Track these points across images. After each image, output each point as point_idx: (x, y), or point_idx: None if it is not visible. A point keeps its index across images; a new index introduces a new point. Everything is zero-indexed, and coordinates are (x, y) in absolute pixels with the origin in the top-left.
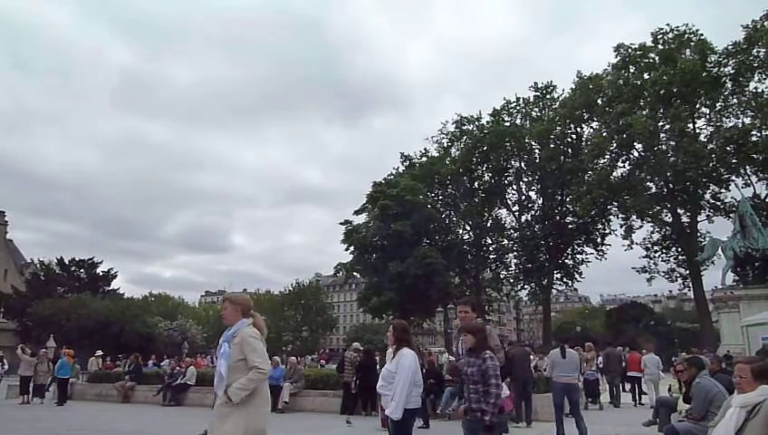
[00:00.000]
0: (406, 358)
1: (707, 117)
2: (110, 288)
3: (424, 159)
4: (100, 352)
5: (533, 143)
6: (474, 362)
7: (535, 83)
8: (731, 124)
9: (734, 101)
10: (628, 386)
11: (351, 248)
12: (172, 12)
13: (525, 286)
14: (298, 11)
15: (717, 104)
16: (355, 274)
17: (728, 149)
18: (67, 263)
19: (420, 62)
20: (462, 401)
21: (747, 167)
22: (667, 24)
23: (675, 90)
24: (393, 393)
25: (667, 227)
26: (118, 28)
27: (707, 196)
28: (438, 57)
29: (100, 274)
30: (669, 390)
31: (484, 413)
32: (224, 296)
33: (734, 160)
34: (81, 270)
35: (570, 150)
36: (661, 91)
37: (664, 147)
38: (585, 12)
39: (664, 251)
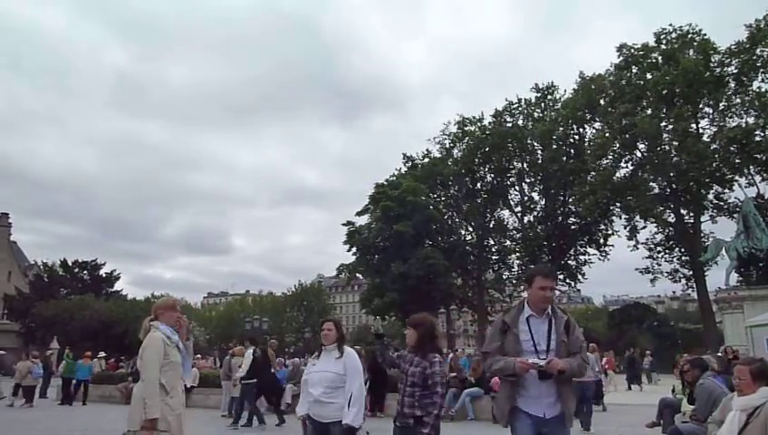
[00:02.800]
0: (355, 358)
1: (710, 117)
2: (113, 290)
3: (426, 159)
4: (102, 354)
5: (536, 144)
6: (418, 361)
7: (536, 84)
8: (734, 124)
9: (738, 100)
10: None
11: (354, 250)
12: (168, 12)
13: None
14: (293, 11)
15: (720, 104)
16: (357, 275)
17: (731, 149)
18: (70, 264)
19: (417, 62)
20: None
21: (751, 167)
22: (670, 24)
23: (678, 90)
24: (351, 398)
25: (671, 228)
26: (114, 29)
27: (711, 196)
28: (435, 57)
29: (103, 275)
30: (673, 391)
31: (423, 425)
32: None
33: (737, 160)
34: (85, 272)
35: (572, 151)
36: (664, 92)
37: (667, 147)
38: (580, 11)
39: (667, 252)
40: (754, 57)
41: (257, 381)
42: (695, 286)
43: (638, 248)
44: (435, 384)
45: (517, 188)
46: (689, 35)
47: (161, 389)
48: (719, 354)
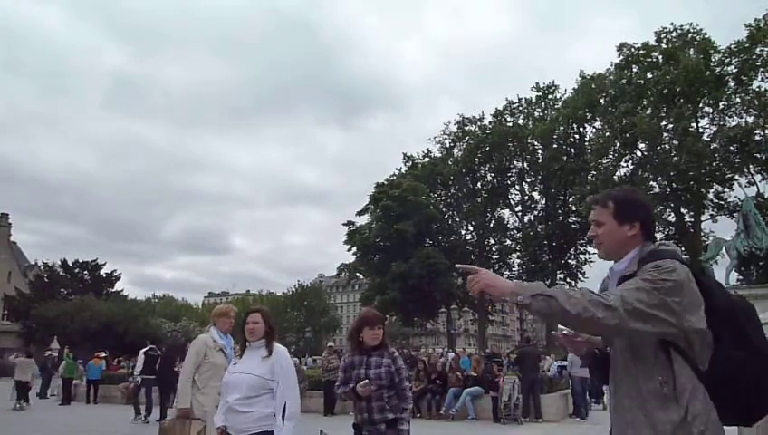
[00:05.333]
0: (286, 358)
1: (710, 116)
2: (114, 290)
3: (426, 159)
4: (102, 354)
5: (536, 143)
6: (378, 361)
7: (537, 84)
8: (734, 123)
9: (737, 100)
10: None
11: (354, 249)
12: (164, 13)
13: None
14: (290, 11)
15: (720, 103)
16: (358, 274)
17: (731, 148)
18: (71, 265)
19: (415, 61)
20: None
21: (750, 166)
22: (671, 23)
23: (678, 89)
24: (286, 409)
25: (671, 227)
26: (111, 30)
27: (711, 195)
28: (433, 57)
29: (104, 275)
30: None
31: (401, 423)
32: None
33: (737, 160)
34: (85, 272)
35: (573, 150)
36: (664, 91)
37: (667, 146)
38: (579, 10)
39: None
40: (754, 56)
41: (156, 378)
42: None
43: None
44: (402, 380)
45: (518, 187)
46: (690, 35)
47: (194, 385)
48: None
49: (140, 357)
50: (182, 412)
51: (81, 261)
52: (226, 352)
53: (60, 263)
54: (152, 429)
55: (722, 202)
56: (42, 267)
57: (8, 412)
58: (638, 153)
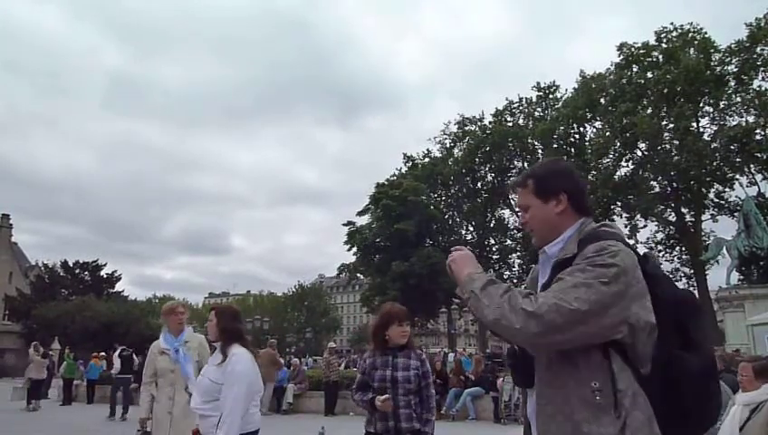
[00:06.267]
0: (239, 362)
1: (711, 116)
2: (114, 290)
3: (426, 159)
4: (103, 353)
5: (536, 143)
6: (405, 363)
7: (538, 83)
8: (734, 123)
9: (738, 99)
10: None
11: (354, 249)
12: (165, 14)
13: None
14: (289, 11)
15: (721, 103)
16: (358, 275)
17: (732, 147)
18: (71, 265)
19: (413, 61)
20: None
21: (751, 165)
22: (671, 23)
23: (678, 88)
24: (222, 415)
25: (671, 227)
26: (110, 30)
27: (711, 195)
28: (431, 57)
29: (104, 276)
30: None
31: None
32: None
33: (737, 159)
34: (86, 272)
35: (573, 150)
36: (665, 90)
37: (668, 146)
38: (579, 9)
39: (668, 250)
40: (755, 56)
41: (135, 377)
42: (696, 285)
43: (636, 248)
44: (429, 386)
45: None
46: (690, 34)
47: (150, 396)
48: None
49: (117, 360)
50: (139, 422)
51: (81, 262)
52: (171, 354)
53: (60, 263)
54: None
55: (722, 202)
56: (42, 268)
57: (9, 413)
58: (639, 153)
